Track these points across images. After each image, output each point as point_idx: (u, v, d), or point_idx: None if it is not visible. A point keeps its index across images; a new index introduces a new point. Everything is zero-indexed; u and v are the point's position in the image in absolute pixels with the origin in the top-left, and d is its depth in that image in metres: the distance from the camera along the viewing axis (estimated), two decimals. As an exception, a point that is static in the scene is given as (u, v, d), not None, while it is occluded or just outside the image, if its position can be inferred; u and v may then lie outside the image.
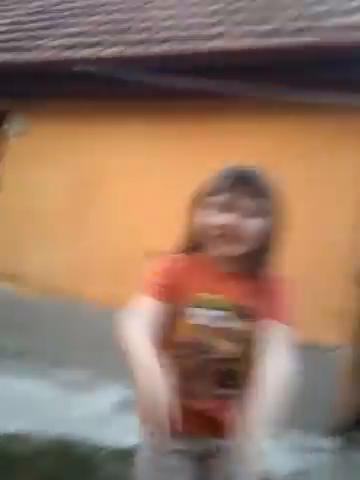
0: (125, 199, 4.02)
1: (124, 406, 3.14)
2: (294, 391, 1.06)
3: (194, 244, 1.25)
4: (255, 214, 1.18)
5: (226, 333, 1.18)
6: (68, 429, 2.76)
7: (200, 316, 1.18)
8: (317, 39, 3.26)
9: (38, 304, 4.13)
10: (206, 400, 1.19)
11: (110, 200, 4.06)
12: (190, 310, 1.18)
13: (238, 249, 1.18)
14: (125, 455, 2.40)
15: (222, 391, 1.20)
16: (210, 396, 1.19)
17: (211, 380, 1.19)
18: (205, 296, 1.19)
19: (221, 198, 1.18)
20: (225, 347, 1.18)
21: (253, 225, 1.17)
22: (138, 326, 1.09)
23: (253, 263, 1.21)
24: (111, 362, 3.68)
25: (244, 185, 1.18)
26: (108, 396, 3.37)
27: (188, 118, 3.79)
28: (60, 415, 2.98)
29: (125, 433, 2.60)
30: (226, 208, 1.17)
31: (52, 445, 2.57)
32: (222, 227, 1.17)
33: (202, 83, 3.29)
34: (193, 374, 1.19)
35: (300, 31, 3.46)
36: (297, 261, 3.21)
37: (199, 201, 1.23)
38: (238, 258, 1.21)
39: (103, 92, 4.01)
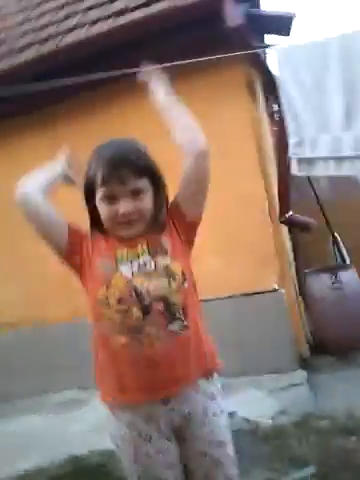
0: None
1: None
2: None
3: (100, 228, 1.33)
4: (142, 192, 1.26)
5: (154, 273, 1.26)
6: (75, 447, 2.81)
7: (127, 269, 1.26)
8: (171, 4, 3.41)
9: (6, 341, 4.16)
10: (162, 341, 1.24)
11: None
12: (118, 266, 1.26)
13: (136, 229, 1.28)
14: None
15: (172, 326, 1.25)
16: (165, 334, 1.24)
17: (158, 319, 1.24)
18: (125, 252, 1.28)
19: (105, 189, 1.24)
20: (157, 284, 1.25)
21: (143, 203, 1.26)
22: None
23: (154, 225, 1.31)
24: (90, 373, 3.83)
25: (126, 171, 1.22)
26: (99, 405, 3.39)
27: (75, 116, 3.85)
28: (63, 437, 3.04)
29: None
30: (115, 196, 1.24)
31: (66, 467, 2.64)
32: (115, 217, 1.25)
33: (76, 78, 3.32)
34: (140, 322, 1.24)
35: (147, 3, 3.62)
36: (217, 217, 3.40)
37: (89, 192, 1.30)
38: (139, 235, 1.30)
39: None
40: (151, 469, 1.28)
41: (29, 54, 3.88)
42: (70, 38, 3.75)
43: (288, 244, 4.25)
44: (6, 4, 5.17)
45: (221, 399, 1.35)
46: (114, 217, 1.26)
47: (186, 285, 1.28)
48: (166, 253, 1.28)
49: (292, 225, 3.73)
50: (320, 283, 3.59)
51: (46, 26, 4.16)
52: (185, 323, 1.26)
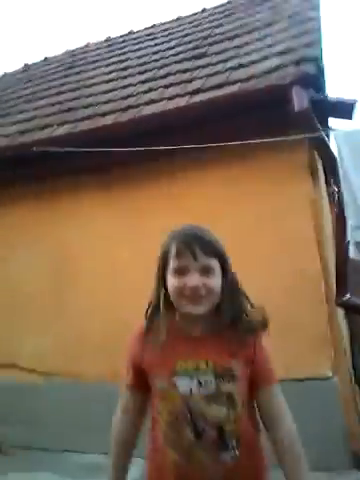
0: (102, 271, 4.15)
1: None
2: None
3: (165, 308, 1.32)
4: (211, 271, 1.29)
5: (213, 397, 1.23)
6: None
7: (185, 384, 1.24)
8: (235, 89, 3.66)
9: (38, 390, 4.16)
10: (209, 468, 1.23)
11: (86, 276, 4.19)
12: (174, 380, 1.24)
13: (203, 307, 1.28)
14: None
15: (224, 456, 1.23)
16: (213, 463, 1.22)
17: (210, 447, 1.22)
18: (186, 364, 1.25)
19: (178, 263, 1.28)
20: (215, 411, 1.22)
21: (212, 282, 1.28)
22: (119, 417, 1.39)
23: (222, 320, 1.30)
24: None
25: (195, 248, 1.28)
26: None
27: (144, 183, 4.03)
28: None
29: None
30: (185, 271, 1.28)
31: None
32: (185, 289, 1.26)
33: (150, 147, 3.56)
34: (192, 444, 1.22)
35: (222, 85, 3.88)
36: (275, 296, 3.35)
37: (162, 266, 1.34)
38: (207, 318, 1.30)
39: (60, 170, 4.26)
40: None
41: (108, 119, 4.16)
42: (148, 110, 4.01)
43: (344, 329, 4.04)
44: (96, 74, 5.70)
45: None
46: (182, 289, 1.27)
47: (245, 413, 1.26)
48: (233, 380, 1.24)
49: (350, 309, 3.57)
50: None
51: (128, 97, 4.51)
52: (237, 453, 1.23)
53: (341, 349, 3.44)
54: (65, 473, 3.50)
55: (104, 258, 4.17)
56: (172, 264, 1.30)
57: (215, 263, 1.30)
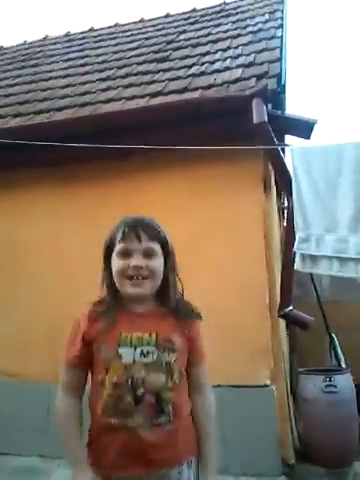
0: (49, 269, 4.04)
1: None
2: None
3: (112, 289, 1.43)
4: (153, 255, 1.41)
5: (153, 365, 1.34)
6: None
7: (128, 355, 1.34)
8: (196, 96, 3.70)
9: None
10: (147, 429, 1.33)
11: (35, 270, 4.07)
12: (118, 350, 1.34)
13: (145, 289, 1.39)
14: None
15: (159, 419, 1.34)
16: (149, 425, 1.33)
17: (147, 411, 1.33)
18: (130, 335, 1.36)
19: (123, 245, 1.39)
20: (154, 378, 1.34)
21: (154, 263, 1.40)
22: (62, 400, 1.42)
23: (163, 300, 1.44)
24: (57, 443, 3.61)
25: (140, 231, 1.40)
26: (62, 479, 3.16)
27: (97, 180, 3.98)
28: None
29: None
30: (129, 253, 1.39)
31: None
32: (129, 269, 1.37)
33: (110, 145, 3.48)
34: (131, 409, 1.32)
35: (183, 90, 3.91)
36: (221, 301, 3.46)
37: (107, 250, 1.45)
38: (150, 299, 1.43)
39: (12, 162, 4.12)
40: None
41: (65, 115, 4.10)
42: (106, 108, 3.99)
43: (285, 339, 4.16)
44: (53, 68, 5.57)
45: (194, 473, 1.45)
46: (126, 270, 1.38)
47: (182, 383, 1.40)
48: (173, 351, 1.37)
49: (290, 321, 3.67)
50: (313, 384, 3.45)
51: (86, 93, 4.46)
52: (171, 419, 1.35)
53: (280, 359, 3.52)
54: (1, 475, 3.37)
55: (52, 254, 4.07)
56: (118, 247, 1.41)
57: (158, 247, 1.42)
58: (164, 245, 1.44)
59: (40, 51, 6.74)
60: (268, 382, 3.36)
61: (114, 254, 1.41)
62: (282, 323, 3.88)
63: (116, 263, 1.40)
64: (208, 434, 1.46)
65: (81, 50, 6.19)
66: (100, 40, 6.45)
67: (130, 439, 1.32)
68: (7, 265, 4.17)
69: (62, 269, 4.00)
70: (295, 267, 3.10)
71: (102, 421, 1.35)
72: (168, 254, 1.45)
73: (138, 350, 1.34)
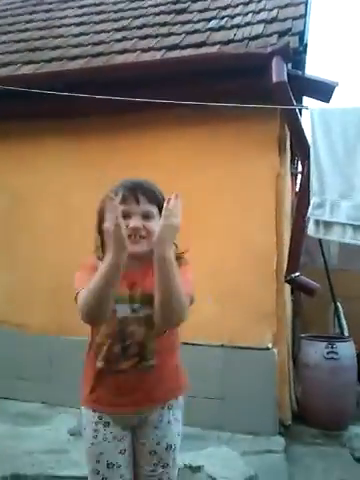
0: (55, 221, 4.01)
1: (79, 434, 3.06)
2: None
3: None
4: (151, 217, 1.47)
5: (142, 320, 1.47)
6: (23, 465, 2.71)
7: (123, 310, 1.47)
8: (214, 51, 3.56)
9: None
10: (131, 374, 1.49)
11: (40, 222, 4.04)
12: (115, 306, 1.44)
13: (141, 246, 1.45)
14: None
15: (142, 364, 1.49)
16: (134, 370, 1.49)
17: (133, 358, 1.49)
18: (125, 293, 1.46)
19: (122, 207, 1.41)
20: (141, 331, 1.48)
21: (152, 224, 1.45)
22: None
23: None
24: (59, 391, 3.73)
25: (139, 194, 1.46)
26: (61, 425, 3.31)
27: (106, 134, 3.88)
28: (13, 451, 2.90)
29: (84, 461, 2.69)
30: (128, 214, 1.44)
31: None
32: (127, 230, 1.38)
33: (120, 96, 3.40)
34: (119, 356, 1.49)
35: (200, 44, 3.76)
36: (228, 263, 3.49)
37: (104, 211, 1.42)
38: (145, 257, 1.45)
39: (20, 111, 4.02)
40: (106, 451, 1.51)
41: (77, 64, 3.97)
42: (120, 59, 3.87)
43: (289, 305, 4.17)
44: (67, 15, 5.38)
45: (179, 413, 1.60)
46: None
47: (164, 334, 1.50)
48: (152, 303, 1.41)
49: (296, 286, 3.67)
50: (315, 350, 3.48)
51: (100, 43, 4.30)
52: (154, 365, 1.49)
53: (284, 323, 3.55)
54: (2, 419, 3.44)
55: (56, 208, 4.03)
56: None
57: (155, 210, 1.48)
58: (161, 207, 1.44)
59: None
60: (270, 345, 3.40)
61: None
62: (287, 288, 3.88)
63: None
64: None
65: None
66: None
67: (116, 381, 1.50)
68: (13, 216, 4.15)
69: (67, 222, 3.98)
70: (308, 233, 3.06)
71: (94, 363, 1.52)
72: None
73: (130, 306, 1.47)
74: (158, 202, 1.48)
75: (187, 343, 3.03)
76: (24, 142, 4.14)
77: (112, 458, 1.51)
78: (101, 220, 1.47)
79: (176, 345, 1.60)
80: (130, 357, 1.48)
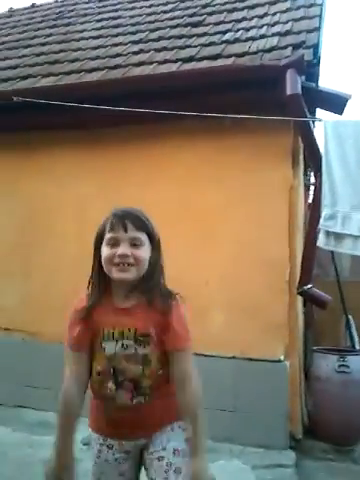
0: (72, 230, 4.05)
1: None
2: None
3: (100, 276, 1.54)
4: (139, 244, 1.49)
5: (131, 357, 1.49)
6: (38, 473, 2.72)
7: (110, 347, 1.50)
8: (229, 63, 3.60)
9: None
10: (127, 409, 1.52)
11: (57, 232, 4.10)
12: (102, 344, 1.50)
13: (130, 274, 1.48)
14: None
15: (136, 400, 1.51)
16: (129, 406, 1.51)
17: (126, 394, 1.50)
18: (112, 330, 1.50)
19: (111, 235, 1.49)
20: (132, 368, 1.49)
21: (140, 252, 1.49)
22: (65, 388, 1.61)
23: (147, 292, 1.51)
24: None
25: (127, 222, 1.49)
26: (76, 434, 3.33)
27: (124, 144, 3.94)
28: (28, 459, 2.94)
29: None
30: (117, 242, 1.49)
31: None
32: (115, 257, 1.47)
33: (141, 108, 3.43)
34: (113, 393, 1.51)
35: (216, 57, 3.80)
36: (240, 275, 3.49)
37: (98, 239, 1.55)
38: (134, 287, 1.51)
39: (40, 122, 4.09)
40: (106, 472, 1.58)
41: (95, 76, 4.05)
42: (136, 72, 3.92)
43: (301, 317, 4.15)
44: (85, 28, 5.49)
45: (181, 424, 1.55)
46: (112, 257, 1.47)
47: (160, 372, 1.51)
48: (148, 344, 1.48)
49: (308, 299, 3.65)
50: (327, 363, 3.45)
51: (117, 55, 4.38)
52: (148, 400, 1.50)
53: (295, 336, 3.53)
54: (17, 428, 3.48)
55: (74, 217, 4.08)
56: (106, 236, 1.51)
57: (144, 237, 1.51)
58: (151, 236, 1.53)
59: (73, 10, 6.59)
60: (282, 357, 3.38)
61: (104, 243, 1.51)
62: (299, 300, 3.86)
63: (105, 251, 1.50)
64: (193, 420, 1.47)
65: (114, 10, 6.03)
66: (134, 1, 6.28)
67: (112, 416, 1.54)
68: (30, 225, 4.21)
69: (83, 232, 4.00)
70: (318, 244, 3.05)
71: (93, 397, 1.59)
72: (154, 245, 1.54)
73: (119, 343, 1.49)
74: (147, 230, 1.52)
75: (198, 354, 3.03)
76: (43, 152, 4.22)
77: (111, 479, 1.58)
78: (98, 244, 1.54)
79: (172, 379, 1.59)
80: (125, 393, 1.50)
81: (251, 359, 3.40)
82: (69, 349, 1.58)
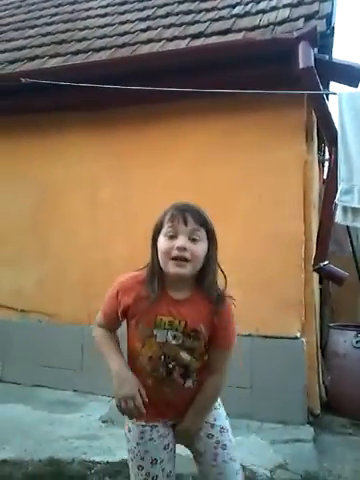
0: (85, 211, 4.06)
1: (111, 421, 3.21)
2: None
3: (155, 268, 1.52)
4: (197, 239, 1.48)
5: (182, 347, 1.53)
6: (58, 449, 2.81)
7: (162, 335, 1.52)
8: (239, 38, 3.52)
9: (11, 325, 4.16)
10: (177, 391, 1.56)
11: (70, 214, 4.10)
12: (154, 331, 1.52)
13: (186, 269, 1.48)
14: (118, 468, 2.51)
15: (187, 384, 1.56)
16: (179, 389, 1.56)
17: (177, 378, 1.55)
18: (165, 319, 1.51)
19: (170, 226, 1.49)
20: (183, 356, 1.53)
21: (197, 248, 1.48)
22: (98, 330, 1.64)
23: (201, 288, 1.53)
24: (90, 379, 3.83)
25: (187, 215, 1.48)
26: (93, 413, 3.40)
27: (134, 125, 3.90)
28: (49, 436, 3.01)
29: (116, 447, 2.73)
30: (175, 235, 1.48)
31: (44, 468, 2.60)
32: (173, 250, 1.46)
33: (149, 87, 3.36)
34: (164, 377, 1.54)
35: (225, 32, 3.73)
36: (255, 252, 3.48)
37: (156, 231, 1.54)
38: (189, 281, 1.52)
39: (48, 104, 4.08)
40: (152, 449, 1.57)
41: (103, 55, 4.01)
42: (145, 49, 3.87)
43: (317, 293, 4.13)
44: (91, 6, 5.42)
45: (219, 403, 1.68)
46: (170, 250, 1.46)
47: (205, 357, 1.56)
48: (197, 339, 1.52)
49: (325, 275, 3.63)
50: (344, 339, 3.45)
51: (125, 34, 4.32)
52: (196, 380, 1.56)
53: (312, 312, 3.52)
54: (37, 406, 3.55)
55: (86, 198, 4.08)
56: (165, 228, 1.49)
57: (203, 232, 1.49)
58: (209, 232, 1.52)
59: None
60: (299, 334, 3.38)
61: (161, 235, 1.50)
62: (315, 277, 3.84)
63: (162, 243, 1.49)
64: (203, 404, 1.60)
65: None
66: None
67: (160, 398, 1.56)
68: (44, 208, 4.23)
69: (96, 214, 4.03)
70: (335, 220, 3.01)
71: (139, 377, 1.55)
72: (212, 241, 1.52)
73: (170, 333, 1.51)
74: (206, 225, 1.51)
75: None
76: (53, 135, 4.21)
77: (157, 454, 1.58)
78: (155, 235, 1.53)
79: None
80: (175, 378, 1.54)
81: (267, 336, 3.41)
82: (102, 316, 1.63)
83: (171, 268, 1.47)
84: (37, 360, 4.01)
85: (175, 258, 1.46)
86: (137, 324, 1.54)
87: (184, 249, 1.45)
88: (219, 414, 1.65)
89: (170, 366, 1.53)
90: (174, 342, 1.51)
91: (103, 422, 3.26)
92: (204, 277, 1.52)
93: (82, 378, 3.84)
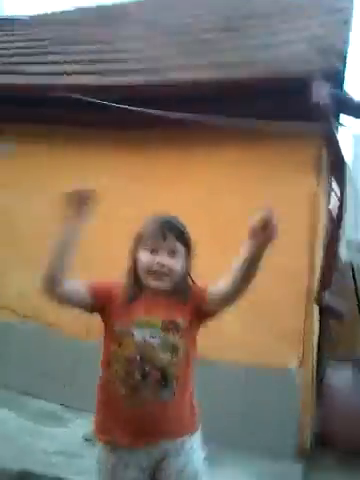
0: (103, 227, 3.88)
1: (95, 440, 3.11)
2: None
3: (135, 279, 1.58)
4: (177, 254, 1.54)
5: (163, 346, 1.51)
6: (34, 462, 2.75)
7: (139, 335, 1.51)
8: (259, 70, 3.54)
9: (11, 329, 4.16)
10: (151, 403, 1.49)
11: (91, 228, 4.11)
12: (131, 330, 1.51)
13: (165, 284, 1.54)
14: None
15: (161, 392, 1.49)
16: (154, 399, 1.49)
17: (153, 386, 1.49)
18: (143, 318, 1.53)
19: (150, 242, 1.54)
20: (161, 356, 1.50)
21: (176, 263, 1.54)
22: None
23: (177, 292, 1.57)
24: (80, 395, 3.68)
25: (168, 231, 1.54)
26: (78, 430, 3.33)
27: (157, 148, 3.91)
28: (28, 447, 2.96)
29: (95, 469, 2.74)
30: (155, 249, 1.53)
31: (12, 477, 2.56)
32: (152, 265, 1.52)
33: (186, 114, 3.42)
34: (139, 383, 1.49)
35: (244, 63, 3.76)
36: (257, 282, 3.45)
37: (135, 243, 1.59)
38: (167, 293, 1.56)
39: (80, 119, 4.07)
40: None
41: (137, 79, 4.00)
42: (175, 75, 3.89)
43: (317, 325, 4.10)
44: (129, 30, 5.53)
45: (199, 439, 1.60)
46: (150, 265, 1.52)
47: (187, 361, 1.54)
48: (177, 332, 1.51)
49: (325, 309, 3.61)
50: (342, 373, 3.42)
51: (155, 59, 4.36)
52: (175, 393, 1.50)
53: (310, 345, 3.49)
54: (22, 414, 3.52)
55: (100, 213, 4.08)
56: (145, 242, 1.55)
57: (181, 247, 1.55)
58: (187, 245, 1.57)
59: (119, 13, 6.64)
60: (295, 366, 3.35)
61: (141, 248, 1.55)
62: (316, 310, 3.82)
63: (143, 257, 1.54)
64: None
65: (154, 13, 6.08)
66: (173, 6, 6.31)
67: (135, 410, 1.49)
68: (57, 218, 4.20)
69: (107, 230, 4.03)
70: (339, 255, 3.02)
71: (111, 388, 1.52)
72: (189, 254, 1.58)
73: (147, 331, 1.51)
74: (184, 240, 1.56)
75: (210, 361, 3.05)
76: (81, 150, 4.21)
77: None
78: (135, 246, 1.58)
79: (192, 374, 1.62)
80: (151, 384, 1.49)
81: (263, 366, 3.37)
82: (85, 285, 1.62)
83: (151, 282, 1.53)
84: (31, 368, 3.99)
85: (154, 272, 1.52)
86: (114, 323, 1.55)
87: (163, 266, 1.51)
88: (195, 456, 1.56)
89: (146, 369, 1.48)
90: (152, 340, 1.50)
91: (86, 440, 3.19)
92: (179, 285, 1.57)
93: (72, 393, 3.79)
